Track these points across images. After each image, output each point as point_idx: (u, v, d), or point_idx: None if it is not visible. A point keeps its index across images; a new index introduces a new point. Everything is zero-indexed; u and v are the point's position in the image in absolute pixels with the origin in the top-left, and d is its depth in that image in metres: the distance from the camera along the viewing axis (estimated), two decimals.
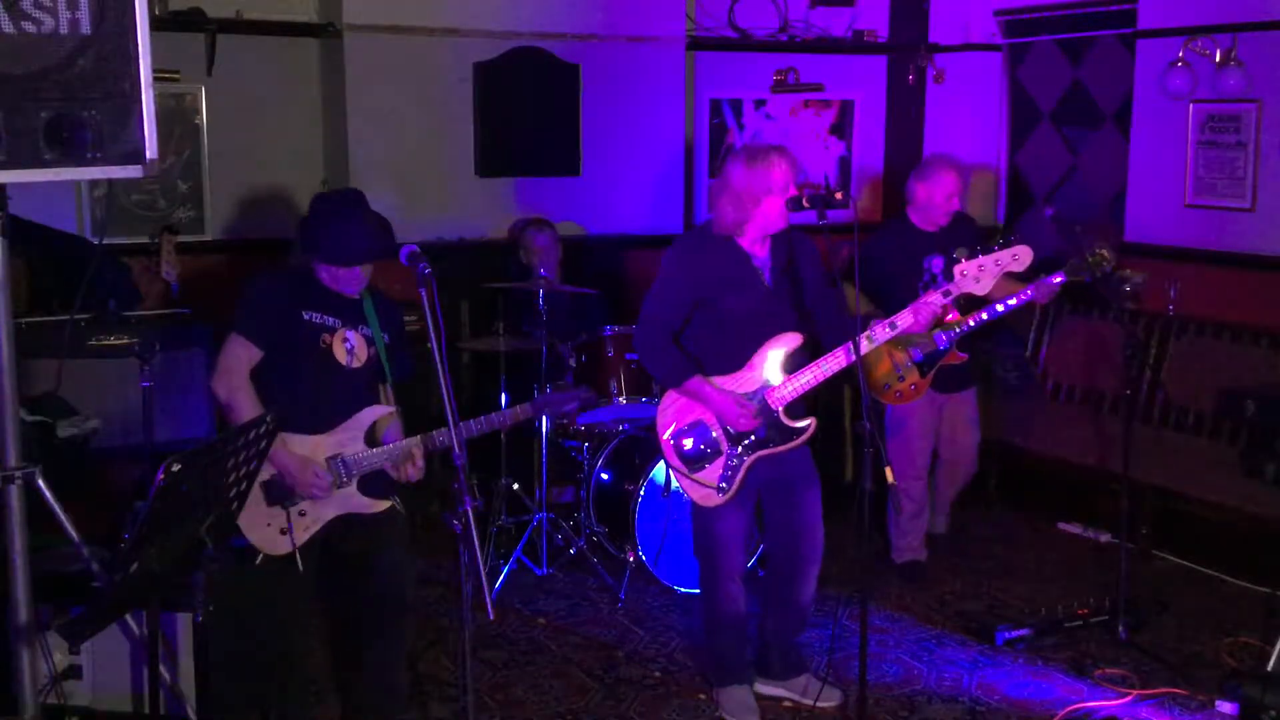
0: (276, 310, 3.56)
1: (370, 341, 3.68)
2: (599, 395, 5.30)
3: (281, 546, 3.52)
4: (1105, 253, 4.79)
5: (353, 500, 3.63)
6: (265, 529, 3.50)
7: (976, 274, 3.83)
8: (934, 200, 5.05)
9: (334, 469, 3.59)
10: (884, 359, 5.00)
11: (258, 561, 3.52)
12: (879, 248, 5.14)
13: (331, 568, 3.70)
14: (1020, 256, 3.82)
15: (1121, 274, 4.99)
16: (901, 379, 5.00)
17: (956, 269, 3.88)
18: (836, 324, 4.04)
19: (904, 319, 3.96)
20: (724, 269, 3.93)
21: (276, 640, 3.68)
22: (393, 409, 3.73)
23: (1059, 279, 4.78)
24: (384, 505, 3.69)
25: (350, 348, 3.63)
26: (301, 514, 3.56)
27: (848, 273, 5.03)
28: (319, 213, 3.59)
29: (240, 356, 3.55)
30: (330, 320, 3.61)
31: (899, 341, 4.73)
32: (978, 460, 5.51)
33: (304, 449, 3.56)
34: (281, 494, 3.52)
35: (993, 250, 3.86)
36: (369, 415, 3.66)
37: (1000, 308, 4.73)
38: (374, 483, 3.67)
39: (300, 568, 3.55)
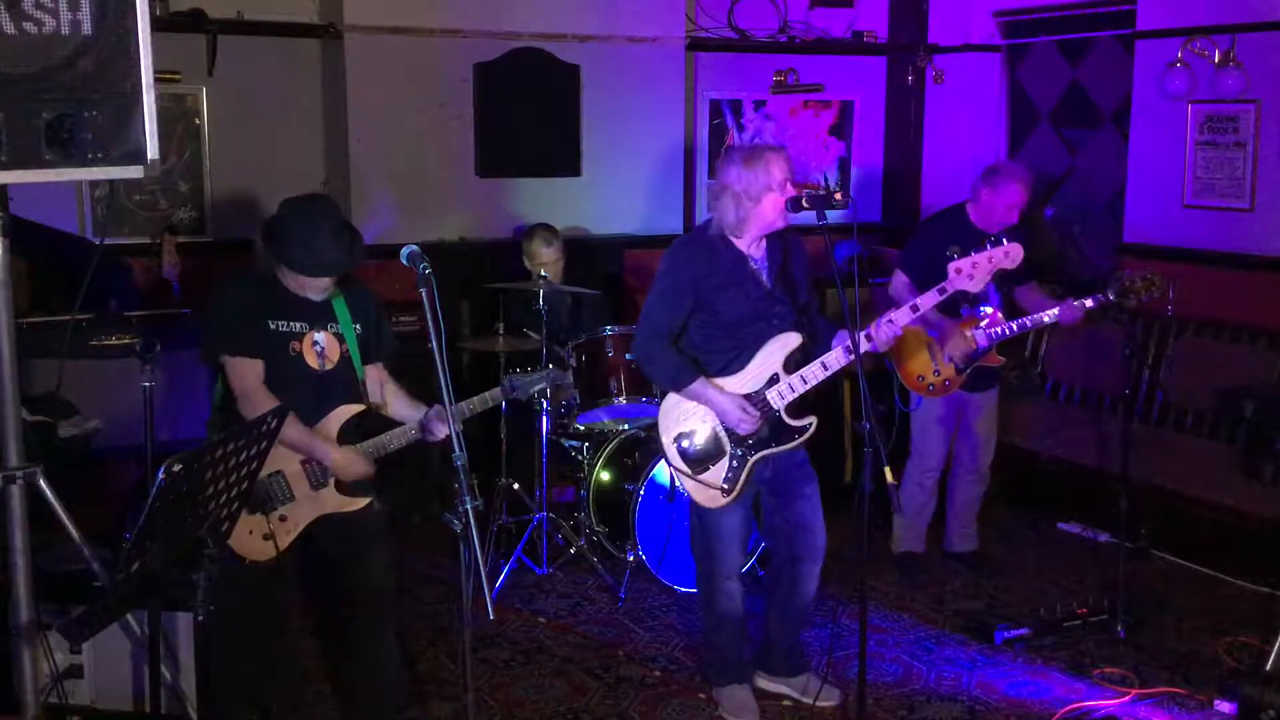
0: (248, 321, 3.56)
1: (340, 339, 3.66)
2: (599, 395, 5.32)
3: (265, 552, 3.52)
4: (1155, 278, 4.83)
5: (330, 500, 3.64)
6: (248, 536, 3.50)
7: (970, 271, 3.82)
8: (995, 207, 5.03)
9: (310, 472, 3.59)
10: (922, 350, 5.03)
11: (246, 563, 3.52)
12: (929, 236, 5.15)
13: (316, 568, 3.72)
14: (1012, 254, 3.82)
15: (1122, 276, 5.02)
16: (937, 373, 5.03)
17: (951, 266, 3.87)
18: (821, 331, 4.05)
19: (904, 316, 3.93)
20: (721, 271, 3.92)
21: (267, 641, 3.69)
22: (363, 406, 3.72)
23: (1107, 298, 4.86)
24: (362, 503, 3.70)
25: (320, 350, 3.61)
26: (282, 519, 3.57)
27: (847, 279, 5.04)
28: (287, 221, 3.50)
29: (247, 374, 3.53)
30: (298, 326, 3.59)
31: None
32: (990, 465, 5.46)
33: (278, 454, 3.54)
34: (260, 500, 3.52)
35: (985, 248, 3.85)
36: (340, 415, 3.66)
37: (1046, 318, 4.93)
38: (350, 481, 3.68)
39: (283, 573, 3.55)
